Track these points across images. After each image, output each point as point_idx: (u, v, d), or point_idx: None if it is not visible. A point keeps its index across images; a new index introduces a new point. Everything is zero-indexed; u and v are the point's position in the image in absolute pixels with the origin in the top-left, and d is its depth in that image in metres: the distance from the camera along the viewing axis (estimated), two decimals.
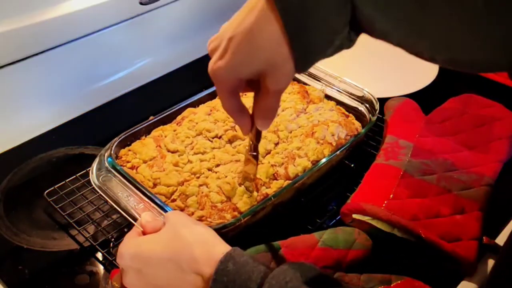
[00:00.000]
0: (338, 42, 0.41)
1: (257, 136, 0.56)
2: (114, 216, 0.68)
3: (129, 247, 0.48)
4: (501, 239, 0.64)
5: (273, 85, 0.43)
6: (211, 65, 0.45)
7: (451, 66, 0.39)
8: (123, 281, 0.49)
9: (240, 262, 0.44)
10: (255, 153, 0.60)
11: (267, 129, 0.51)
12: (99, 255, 0.64)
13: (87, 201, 0.70)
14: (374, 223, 0.64)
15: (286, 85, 0.45)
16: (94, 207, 0.69)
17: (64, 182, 0.71)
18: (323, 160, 0.68)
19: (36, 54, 0.81)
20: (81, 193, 0.70)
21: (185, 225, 0.48)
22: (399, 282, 0.55)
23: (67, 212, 0.68)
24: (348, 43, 0.42)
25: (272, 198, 0.62)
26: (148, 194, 0.61)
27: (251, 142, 0.58)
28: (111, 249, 0.64)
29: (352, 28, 0.40)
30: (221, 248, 0.46)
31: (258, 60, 0.42)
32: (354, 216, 0.65)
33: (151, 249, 0.47)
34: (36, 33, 0.80)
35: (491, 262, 0.62)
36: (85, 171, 0.72)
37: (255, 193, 0.63)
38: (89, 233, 0.66)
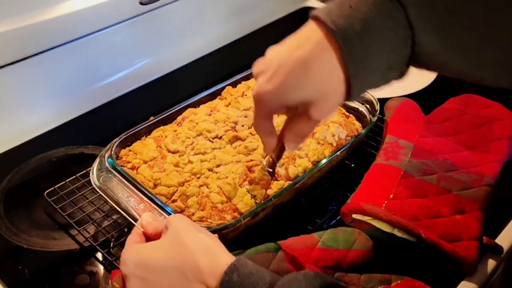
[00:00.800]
0: (392, 77, 0.42)
1: (279, 155, 0.56)
2: (114, 216, 0.68)
3: (133, 254, 0.48)
4: (501, 239, 0.64)
5: (317, 115, 0.43)
6: (257, 87, 0.44)
7: None
8: (126, 287, 0.49)
9: (244, 274, 0.43)
10: (271, 170, 0.60)
11: (294, 151, 0.51)
12: (99, 255, 0.64)
13: (87, 201, 0.70)
14: (374, 223, 0.64)
15: (329, 115, 0.45)
16: (94, 207, 0.69)
17: (64, 182, 0.71)
18: (324, 160, 0.68)
19: (37, 54, 0.81)
20: (81, 193, 0.70)
21: (188, 232, 0.48)
22: (399, 282, 0.55)
23: (67, 212, 0.68)
24: (400, 77, 0.43)
25: (273, 199, 0.62)
26: (149, 194, 0.61)
27: (270, 159, 0.58)
28: (111, 249, 0.64)
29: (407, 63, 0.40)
30: (225, 258, 0.45)
31: (309, 88, 0.41)
32: (354, 216, 0.65)
33: (155, 257, 0.47)
34: (37, 33, 0.79)
35: (491, 262, 0.62)
36: (85, 171, 0.72)
37: (259, 197, 0.63)
38: (89, 233, 0.66)
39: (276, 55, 0.43)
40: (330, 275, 0.57)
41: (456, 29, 0.37)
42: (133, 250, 0.49)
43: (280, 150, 0.54)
